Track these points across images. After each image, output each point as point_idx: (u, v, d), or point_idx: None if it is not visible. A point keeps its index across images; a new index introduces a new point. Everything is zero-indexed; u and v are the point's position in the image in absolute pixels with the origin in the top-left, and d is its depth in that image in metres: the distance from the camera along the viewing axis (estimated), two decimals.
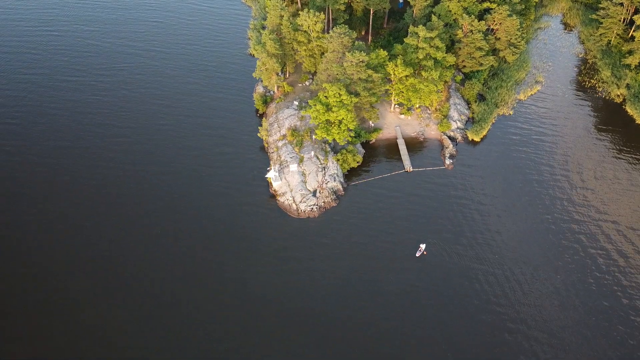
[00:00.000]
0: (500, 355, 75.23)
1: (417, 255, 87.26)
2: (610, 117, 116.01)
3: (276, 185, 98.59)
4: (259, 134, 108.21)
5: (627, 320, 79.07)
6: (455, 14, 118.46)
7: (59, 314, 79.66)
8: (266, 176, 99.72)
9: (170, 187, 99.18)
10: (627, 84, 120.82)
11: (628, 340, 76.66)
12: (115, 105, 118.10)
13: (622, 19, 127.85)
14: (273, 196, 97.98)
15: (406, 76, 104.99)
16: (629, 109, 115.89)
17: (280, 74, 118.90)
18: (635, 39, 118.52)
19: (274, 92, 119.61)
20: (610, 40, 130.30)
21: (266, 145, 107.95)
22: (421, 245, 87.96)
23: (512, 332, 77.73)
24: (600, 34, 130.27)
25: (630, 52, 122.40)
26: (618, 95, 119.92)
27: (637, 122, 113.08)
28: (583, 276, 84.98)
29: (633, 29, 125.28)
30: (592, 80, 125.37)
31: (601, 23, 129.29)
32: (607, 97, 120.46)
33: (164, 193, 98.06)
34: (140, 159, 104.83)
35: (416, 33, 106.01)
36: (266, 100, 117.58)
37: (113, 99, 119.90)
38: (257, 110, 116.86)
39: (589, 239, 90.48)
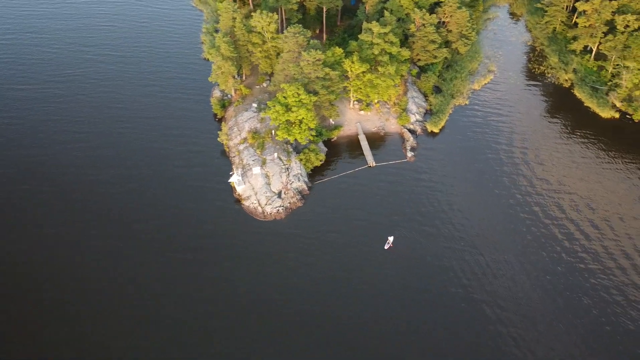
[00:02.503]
0: (479, 340, 76.69)
1: (385, 248, 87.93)
2: (560, 100, 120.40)
3: (240, 189, 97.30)
4: (219, 139, 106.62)
5: (592, 290, 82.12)
6: (406, 8, 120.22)
7: (51, 320, 78.46)
8: (229, 181, 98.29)
9: (132, 195, 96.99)
10: (574, 68, 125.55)
11: (592, 310, 79.73)
12: (72, 111, 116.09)
13: (565, 7, 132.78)
14: (238, 201, 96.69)
15: (363, 72, 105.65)
16: (577, 93, 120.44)
17: (236, 76, 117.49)
18: (579, 25, 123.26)
19: (231, 95, 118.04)
20: (556, 28, 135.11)
21: (227, 150, 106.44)
22: (389, 238, 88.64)
23: (486, 317, 79.34)
24: (546, 22, 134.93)
25: (574, 38, 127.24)
26: (566, 80, 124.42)
27: (585, 104, 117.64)
28: (550, 252, 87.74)
29: (576, 15, 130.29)
30: (541, 67, 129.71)
31: (546, 11, 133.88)
32: (556, 82, 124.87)
33: (127, 201, 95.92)
34: (101, 164, 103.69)
35: (370, 29, 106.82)
36: (224, 104, 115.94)
37: (69, 106, 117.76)
38: (216, 114, 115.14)
39: (550, 213, 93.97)
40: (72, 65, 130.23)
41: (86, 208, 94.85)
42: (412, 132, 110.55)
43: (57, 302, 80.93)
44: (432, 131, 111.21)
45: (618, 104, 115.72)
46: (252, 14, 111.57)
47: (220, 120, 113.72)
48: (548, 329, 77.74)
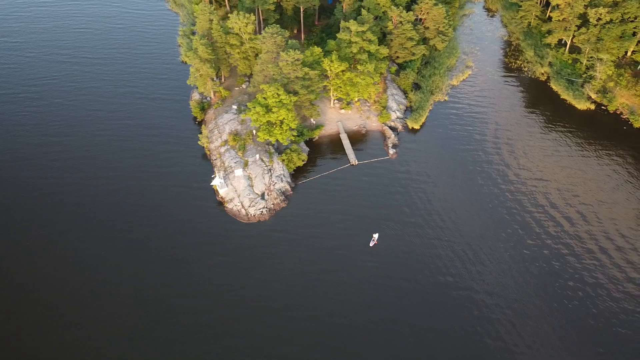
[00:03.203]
0: (470, 329, 77.33)
1: (370, 245, 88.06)
2: (537, 94, 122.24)
3: (222, 192, 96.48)
4: (199, 142, 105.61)
5: (577, 274, 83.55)
6: (383, 6, 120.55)
7: (36, 328, 75.77)
8: (211, 184, 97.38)
9: (113, 199, 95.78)
10: (550, 62, 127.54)
11: (578, 292, 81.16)
12: (50, 115, 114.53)
13: (539, 1, 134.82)
14: (221, 203, 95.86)
15: (342, 71, 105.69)
16: (553, 85, 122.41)
17: (215, 79, 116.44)
18: (553, 19, 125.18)
19: (210, 98, 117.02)
20: (530, 22, 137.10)
21: (208, 153, 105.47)
22: (374, 235, 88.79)
23: (474, 308, 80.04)
24: (521, 17, 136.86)
25: (549, 32, 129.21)
26: (542, 74, 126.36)
27: (561, 96, 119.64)
28: (535, 239, 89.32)
29: (549, 9, 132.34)
30: (518, 61, 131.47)
31: (520, 6, 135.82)
32: (533, 76, 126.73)
33: (108, 204, 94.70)
34: (80, 168, 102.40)
35: (348, 28, 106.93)
36: (204, 106, 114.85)
37: (47, 110, 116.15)
38: (195, 118, 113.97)
39: (531, 201, 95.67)
40: (47, 69, 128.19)
41: (68, 212, 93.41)
42: (393, 129, 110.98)
43: (43, 308, 79.27)
44: (412, 128, 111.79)
45: (593, 96, 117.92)
46: (229, 15, 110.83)
47: (200, 123, 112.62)
48: (537, 315, 78.78)
